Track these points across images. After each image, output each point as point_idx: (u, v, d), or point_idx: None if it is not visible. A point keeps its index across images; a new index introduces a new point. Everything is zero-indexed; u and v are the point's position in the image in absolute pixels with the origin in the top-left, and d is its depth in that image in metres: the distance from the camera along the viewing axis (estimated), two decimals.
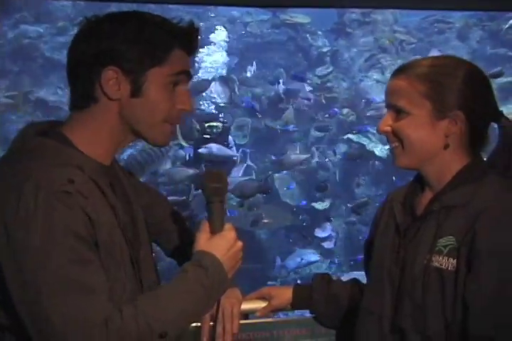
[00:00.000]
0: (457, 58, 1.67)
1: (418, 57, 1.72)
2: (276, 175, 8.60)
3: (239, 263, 1.55)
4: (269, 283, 7.70)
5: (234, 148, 7.58)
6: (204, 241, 1.51)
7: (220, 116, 7.61)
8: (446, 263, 1.53)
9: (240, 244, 1.54)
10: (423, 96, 1.57)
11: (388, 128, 1.62)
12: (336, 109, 9.08)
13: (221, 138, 7.26)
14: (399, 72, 1.63)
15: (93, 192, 1.39)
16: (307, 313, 2.01)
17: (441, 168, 1.62)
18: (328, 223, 8.68)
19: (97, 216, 1.37)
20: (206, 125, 7.16)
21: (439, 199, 1.60)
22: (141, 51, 1.43)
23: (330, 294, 1.94)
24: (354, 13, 9.67)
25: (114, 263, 1.41)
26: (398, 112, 1.60)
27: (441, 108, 1.57)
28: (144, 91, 1.45)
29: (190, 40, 1.49)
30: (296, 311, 2.10)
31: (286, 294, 1.96)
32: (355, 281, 1.98)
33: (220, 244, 1.50)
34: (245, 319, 1.98)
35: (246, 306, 1.92)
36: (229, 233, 1.53)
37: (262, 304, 1.97)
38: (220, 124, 7.27)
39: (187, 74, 1.51)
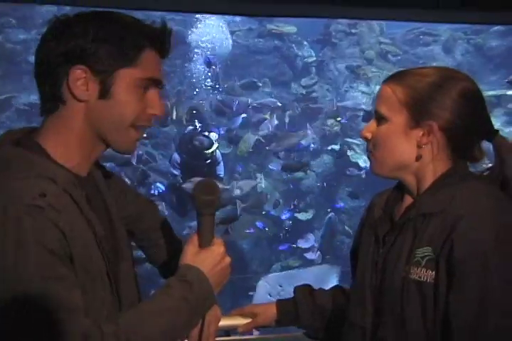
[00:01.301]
0: (454, 71, 1.62)
1: (402, 69, 1.68)
2: (259, 185, 8.58)
3: (226, 279, 1.51)
4: (250, 293, 7.66)
5: (222, 163, 7.75)
6: (191, 255, 1.47)
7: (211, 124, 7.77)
8: (424, 275, 1.49)
9: (228, 259, 1.50)
10: (402, 103, 1.55)
11: (369, 135, 1.60)
12: None
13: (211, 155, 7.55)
14: (388, 78, 1.61)
15: (67, 206, 1.33)
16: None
17: (419, 177, 1.59)
18: (311, 234, 8.67)
19: (70, 230, 1.31)
20: (207, 152, 7.46)
21: (415, 206, 1.57)
22: (110, 50, 1.38)
23: (315, 305, 1.90)
24: (340, 24, 9.72)
25: (91, 278, 1.36)
26: (380, 119, 1.58)
27: (417, 117, 1.54)
28: (113, 92, 1.39)
29: (162, 40, 1.44)
30: None
31: (269, 311, 1.92)
32: (338, 288, 1.95)
33: (207, 259, 1.46)
34: (226, 335, 1.94)
35: (226, 322, 1.87)
36: (218, 248, 1.49)
37: (244, 320, 1.92)
38: (215, 150, 7.58)
39: (157, 82, 1.45)
